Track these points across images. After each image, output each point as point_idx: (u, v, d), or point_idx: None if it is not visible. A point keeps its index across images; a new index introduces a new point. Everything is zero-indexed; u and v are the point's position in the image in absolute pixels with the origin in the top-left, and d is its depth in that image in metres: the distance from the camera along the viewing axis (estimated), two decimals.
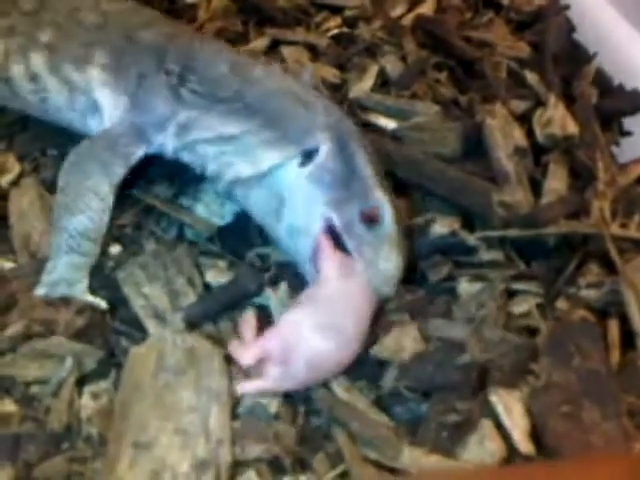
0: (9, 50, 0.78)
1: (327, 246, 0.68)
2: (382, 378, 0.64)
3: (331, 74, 0.98)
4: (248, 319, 0.68)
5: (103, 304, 0.70)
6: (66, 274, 0.70)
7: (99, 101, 0.76)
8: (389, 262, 0.68)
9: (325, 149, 0.70)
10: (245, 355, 0.63)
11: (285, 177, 0.71)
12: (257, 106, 0.72)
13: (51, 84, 0.78)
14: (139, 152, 0.74)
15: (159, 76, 0.74)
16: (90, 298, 0.70)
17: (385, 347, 0.65)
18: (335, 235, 0.69)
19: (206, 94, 0.73)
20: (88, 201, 0.70)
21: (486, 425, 0.60)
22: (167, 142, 0.75)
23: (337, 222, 0.69)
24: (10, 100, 0.82)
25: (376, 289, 0.68)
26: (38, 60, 0.77)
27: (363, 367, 0.65)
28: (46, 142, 0.84)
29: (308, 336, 0.62)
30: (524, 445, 0.59)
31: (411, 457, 0.59)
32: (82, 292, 0.70)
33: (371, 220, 0.68)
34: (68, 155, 0.74)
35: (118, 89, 0.76)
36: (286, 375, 0.62)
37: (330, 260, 0.67)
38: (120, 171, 0.73)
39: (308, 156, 0.70)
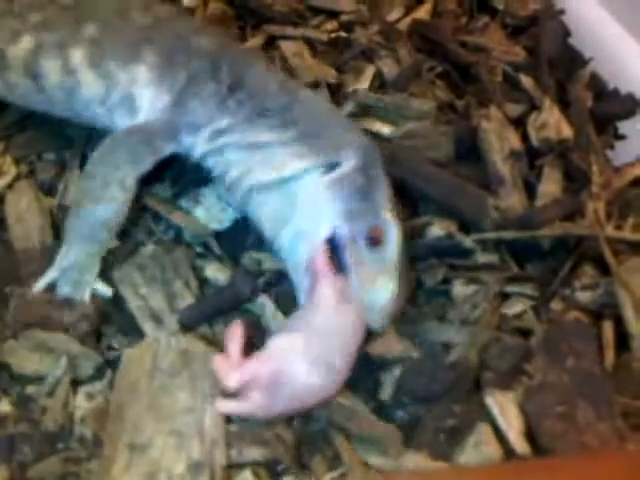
0: (42, 45, 0.76)
1: (325, 259, 0.66)
2: (378, 388, 0.64)
3: (329, 74, 0.99)
4: (234, 331, 0.65)
5: (109, 292, 0.71)
6: (81, 261, 0.70)
7: (137, 98, 0.76)
8: (384, 289, 0.65)
9: (350, 163, 0.70)
10: (231, 377, 0.61)
11: (305, 184, 0.71)
12: (296, 120, 0.72)
13: (87, 78, 0.76)
14: (168, 149, 0.74)
15: (209, 83, 0.74)
16: (99, 286, 0.71)
17: (379, 354, 0.65)
18: (335, 249, 0.68)
19: (252, 107, 0.73)
20: (114, 192, 0.70)
21: (483, 427, 0.60)
22: (197, 145, 0.75)
23: (345, 233, 0.67)
24: (30, 96, 0.80)
25: (365, 316, 0.65)
26: (77, 54, 0.76)
27: (359, 377, 0.65)
28: (43, 145, 0.84)
29: (298, 368, 0.61)
30: (520, 446, 0.59)
31: (412, 460, 0.59)
32: (92, 280, 0.71)
33: (376, 239, 0.67)
34: (100, 144, 0.73)
35: (162, 88, 0.75)
36: (269, 402, 0.61)
37: (327, 279, 0.65)
38: (148, 166, 0.73)
39: (332, 167, 0.70)
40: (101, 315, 0.69)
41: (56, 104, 0.79)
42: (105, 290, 0.71)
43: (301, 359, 0.61)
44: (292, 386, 0.61)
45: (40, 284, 0.69)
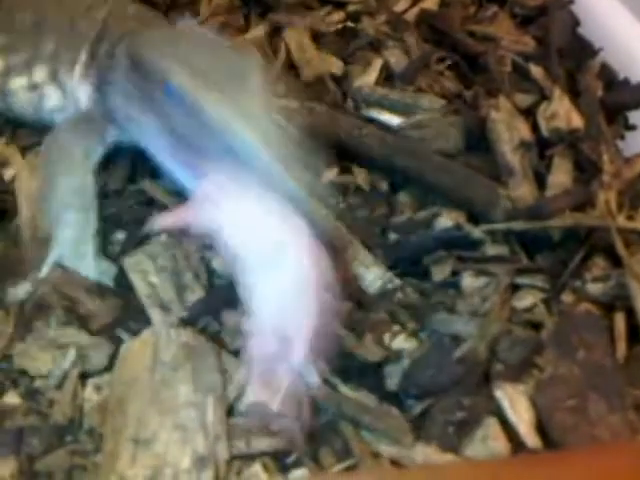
0: (9, 67, 0.81)
1: None
2: (385, 380, 0.64)
3: (335, 66, 0.98)
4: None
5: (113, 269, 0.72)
6: (70, 249, 0.70)
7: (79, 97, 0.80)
8: None
9: None
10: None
11: None
12: None
13: (49, 91, 0.81)
14: (114, 131, 0.77)
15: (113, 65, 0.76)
16: (99, 269, 0.71)
17: (386, 345, 0.64)
18: None
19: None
20: (66, 172, 0.72)
21: (491, 420, 0.60)
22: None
23: None
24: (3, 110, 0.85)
25: None
26: (42, 72, 0.81)
27: (366, 368, 0.65)
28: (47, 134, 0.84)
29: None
30: (530, 439, 0.58)
31: (421, 452, 0.59)
32: (91, 262, 0.71)
33: None
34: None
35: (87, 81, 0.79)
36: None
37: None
38: (96, 144, 0.75)
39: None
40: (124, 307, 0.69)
41: (28, 117, 0.84)
42: (108, 266, 0.72)
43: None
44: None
45: (44, 267, 0.70)
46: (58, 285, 0.67)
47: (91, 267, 0.71)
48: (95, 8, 0.81)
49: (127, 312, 0.69)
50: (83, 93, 0.79)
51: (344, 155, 0.84)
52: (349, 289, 0.72)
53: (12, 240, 0.74)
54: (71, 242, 0.71)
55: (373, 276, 0.74)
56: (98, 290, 0.69)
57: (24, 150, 0.83)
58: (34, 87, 0.81)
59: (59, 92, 0.80)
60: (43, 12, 0.81)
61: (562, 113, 0.86)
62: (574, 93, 0.96)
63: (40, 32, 0.80)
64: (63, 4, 0.83)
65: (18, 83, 0.81)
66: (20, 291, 0.69)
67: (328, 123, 0.84)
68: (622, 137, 0.96)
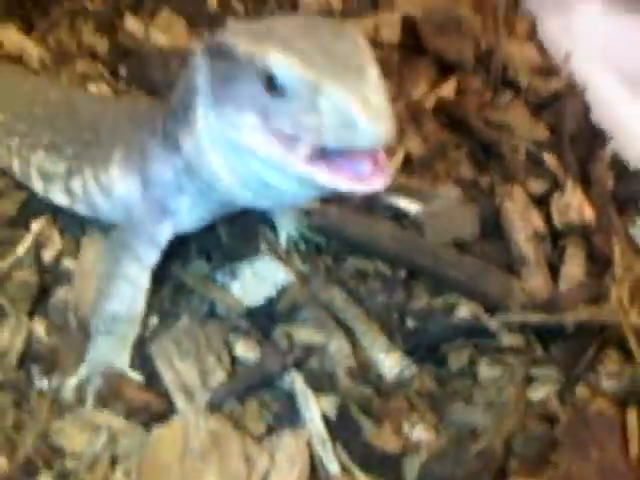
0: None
1: None
2: (403, 472, 0.65)
3: None
4: None
5: (139, 377, 0.73)
6: (105, 355, 0.73)
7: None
8: None
9: None
10: None
11: None
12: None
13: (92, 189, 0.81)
14: (165, 228, 0.74)
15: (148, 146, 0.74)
16: (128, 372, 0.73)
17: (405, 436, 0.66)
18: None
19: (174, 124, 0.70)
20: (119, 285, 0.73)
21: None
22: (192, 192, 0.72)
23: None
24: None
25: None
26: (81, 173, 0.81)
27: (384, 459, 0.66)
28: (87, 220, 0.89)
29: None
30: None
31: None
32: (126, 359, 0.74)
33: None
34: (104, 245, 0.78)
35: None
36: None
37: None
38: (148, 252, 0.74)
39: None
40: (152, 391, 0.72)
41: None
42: (135, 375, 0.73)
43: None
44: None
45: (72, 381, 0.72)
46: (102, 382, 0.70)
47: (126, 363, 0.74)
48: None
49: (155, 397, 0.71)
50: (124, 189, 0.77)
51: (359, 249, 0.87)
52: (368, 375, 0.75)
53: (53, 322, 0.78)
54: (111, 348, 0.73)
55: (391, 362, 0.76)
56: (131, 377, 0.72)
57: (63, 232, 0.87)
58: (79, 188, 0.81)
59: (99, 191, 0.79)
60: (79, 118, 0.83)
61: (575, 205, 0.89)
62: (586, 181, 1.00)
63: (78, 135, 0.82)
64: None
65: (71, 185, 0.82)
66: (68, 387, 0.72)
67: (339, 223, 0.87)
68: (634, 224, 0.99)
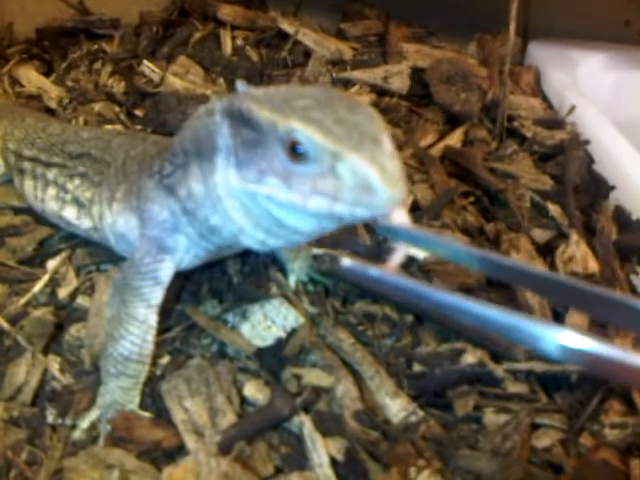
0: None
1: None
2: None
3: None
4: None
5: (149, 416, 0.75)
6: (117, 397, 0.74)
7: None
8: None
9: None
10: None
11: None
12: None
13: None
14: (165, 266, 0.75)
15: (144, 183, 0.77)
16: (138, 412, 0.74)
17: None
18: None
19: (175, 163, 0.74)
20: (128, 327, 0.74)
21: None
22: (188, 232, 0.74)
23: None
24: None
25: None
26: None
27: None
28: (101, 257, 0.91)
29: None
30: None
31: None
32: (136, 400, 0.75)
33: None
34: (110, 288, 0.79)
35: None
36: None
37: None
38: (153, 291, 0.75)
39: None
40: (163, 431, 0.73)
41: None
42: (144, 415, 0.75)
43: None
44: None
45: (84, 424, 0.74)
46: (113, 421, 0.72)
47: (136, 403, 0.76)
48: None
49: (165, 435, 0.73)
50: (123, 225, 0.81)
51: (367, 293, 0.89)
52: (375, 418, 0.76)
53: (67, 359, 0.80)
54: (123, 390, 0.75)
55: (398, 407, 0.77)
56: (140, 416, 0.74)
57: (79, 270, 0.89)
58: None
59: (107, 225, 0.83)
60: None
61: (579, 257, 0.91)
62: (589, 231, 1.02)
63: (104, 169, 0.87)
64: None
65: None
66: (80, 428, 0.74)
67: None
68: (636, 273, 1.01)
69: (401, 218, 0.62)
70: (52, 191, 0.91)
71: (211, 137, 0.67)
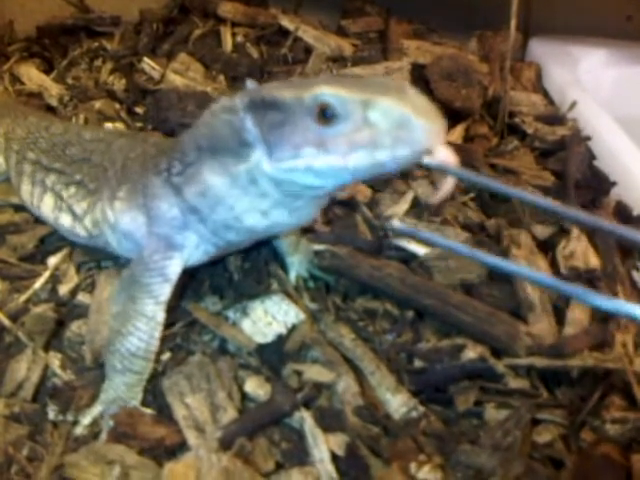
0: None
1: None
2: None
3: (362, 194, 1.05)
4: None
5: (151, 412, 0.75)
6: (121, 393, 0.74)
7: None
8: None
9: None
10: None
11: None
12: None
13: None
14: (173, 263, 0.75)
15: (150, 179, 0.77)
16: (140, 408, 0.74)
17: (412, 476, 0.67)
18: None
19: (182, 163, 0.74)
20: (136, 323, 0.74)
21: None
22: (198, 229, 0.75)
23: None
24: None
25: None
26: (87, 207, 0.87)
27: None
28: (101, 254, 0.91)
29: None
30: None
31: None
32: (139, 396, 0.76)
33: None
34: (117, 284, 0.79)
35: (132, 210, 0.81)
36: None
37: None
38: (161, 288, 0.75)
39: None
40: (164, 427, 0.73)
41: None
42: (146, 411, 0.75)
43: None
44: None
45: (86, 420, 0.74)
46: (115, 417, 0.72)
47: (139, 399, 0.76)
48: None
49: (167, 431, 0.73)
50: (128, 223, 0.80)
51: (368, 289, 0.89)
52: (376, 414, 0.76)
53: (68, 355, 0.80)
54: (127, 386, 0.75)
55: (399, 402, 0.77)
56: (142, 412, 0.74)
57: (79, 267, 0.89)
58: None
59: (108, 226, 0.83)
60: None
61: (580, 252, 0.91)
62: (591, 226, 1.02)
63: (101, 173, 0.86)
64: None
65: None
66: (82, 424, 0.74)
67: (351, 265, 0.89)
68: (637, 268, 1.01)
69: (445, 156, 0.60)
70: (49, 200, 0.91)
71: (235, 132, 0.68)
